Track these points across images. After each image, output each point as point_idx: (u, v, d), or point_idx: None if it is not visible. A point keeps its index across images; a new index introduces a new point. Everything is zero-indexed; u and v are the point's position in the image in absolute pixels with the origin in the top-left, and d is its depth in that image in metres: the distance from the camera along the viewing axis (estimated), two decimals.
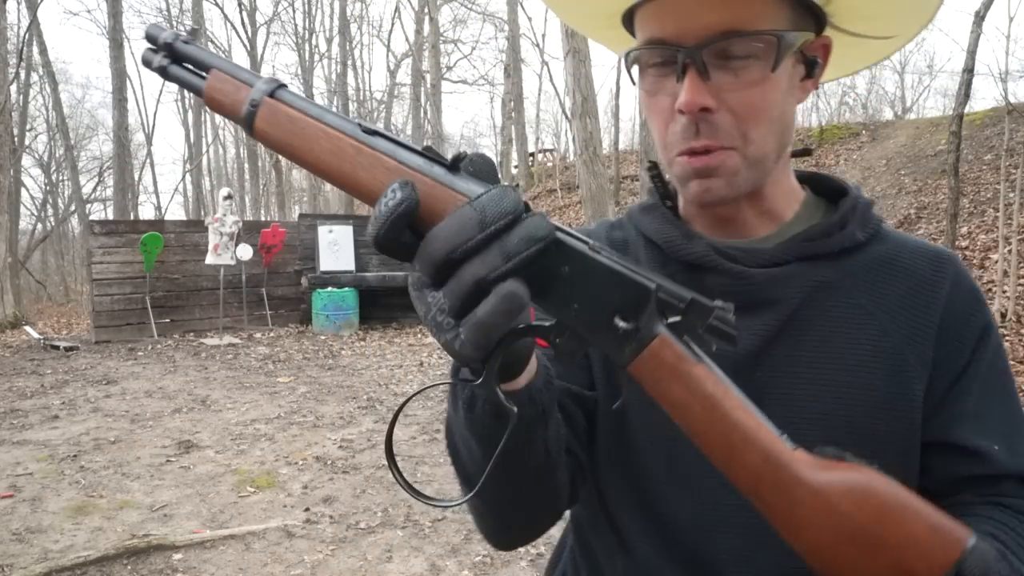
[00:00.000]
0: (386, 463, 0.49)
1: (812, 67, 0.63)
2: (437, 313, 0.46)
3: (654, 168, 0.73)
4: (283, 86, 0.53)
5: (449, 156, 0.48)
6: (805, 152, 0.76)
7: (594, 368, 0.71)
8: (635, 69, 0.64)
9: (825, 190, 0.74)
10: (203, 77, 0.55)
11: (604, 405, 0.70)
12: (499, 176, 0.47)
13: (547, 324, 0.48)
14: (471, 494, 0.59)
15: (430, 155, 0.49)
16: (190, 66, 0.56)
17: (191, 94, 0.54)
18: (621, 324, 0.46)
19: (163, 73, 0.56)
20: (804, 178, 0.74)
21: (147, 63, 0.57)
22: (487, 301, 0.43)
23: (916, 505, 0.45)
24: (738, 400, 0.46)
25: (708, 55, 0.58)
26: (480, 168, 0.48)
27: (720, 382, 0.47)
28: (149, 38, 0.58)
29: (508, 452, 0.51)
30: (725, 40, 0.57)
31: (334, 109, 0.54)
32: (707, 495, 0.65)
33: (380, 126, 0.52)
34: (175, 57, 0.56)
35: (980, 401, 0.64)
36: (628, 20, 0.65)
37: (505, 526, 0.68)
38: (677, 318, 0.46)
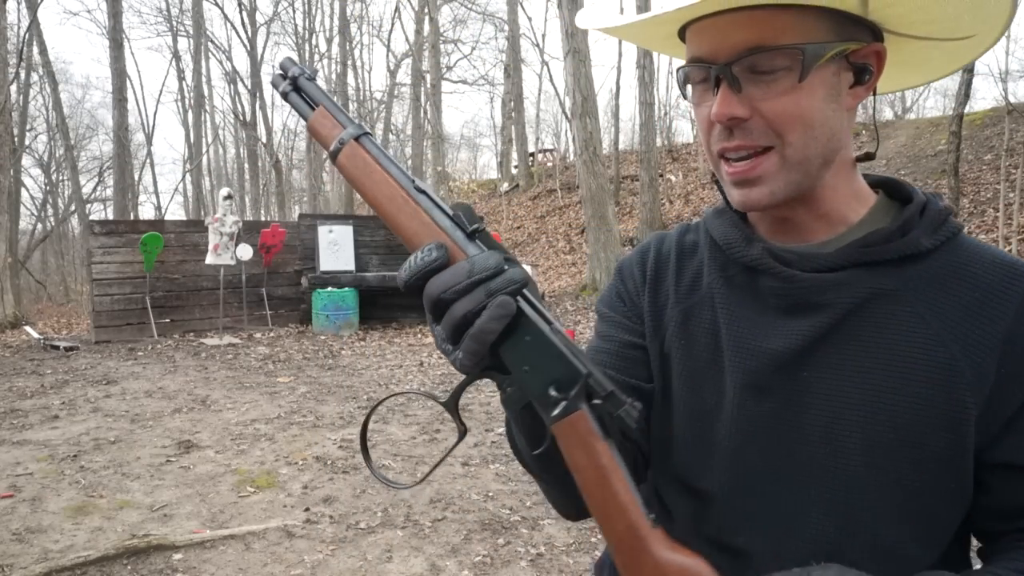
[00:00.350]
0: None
1: (862, 74, 0.66)
2: (441, 341, 0.60)
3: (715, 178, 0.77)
4: (368, 134, 0.67)
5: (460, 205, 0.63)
6: (867, 157, 0.74)
7: (652, 363, 0.79)
8: (686, 84, 0.71)
9: (901, 196, 0.74)
10: (312, 108, 0.70)
11: (656, 393, 0.79)
12: (504, 248, 0.60)
13: (505, 375, 0.60)
14: (422, 479, 0.75)
15: (457, 220, 0.62)
16: (306, 97, 0.71)
17: (298, 116, 0.70)
18: (553, 393, 0.58)
19: (284, 96, 0.71)
20: (878, 183, 0.75)
21: (274, 85, 0.73)
22: (482, 315, 0.56)
23: None
24: (622, 477, 0.58)
25: (738, 69, 0.63)
26: (489, 242, 0.61)
27: (613, 459, 0.58)
28: (282, 67, 0.73)
29: (541, 441, 0.63)
30: (751, 56, 0.62)
31: (401, 165, 0.66)
32: (740, 478, 0.71)
33: (428, 185, 0.65)
34: (296, 87, 0.71)
35: None
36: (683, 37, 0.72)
37: (564, 503, 0.76)
38: (599, 401, 0.58)
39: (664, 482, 0.77)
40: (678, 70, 0.70)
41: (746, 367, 0.70)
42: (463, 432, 0.64)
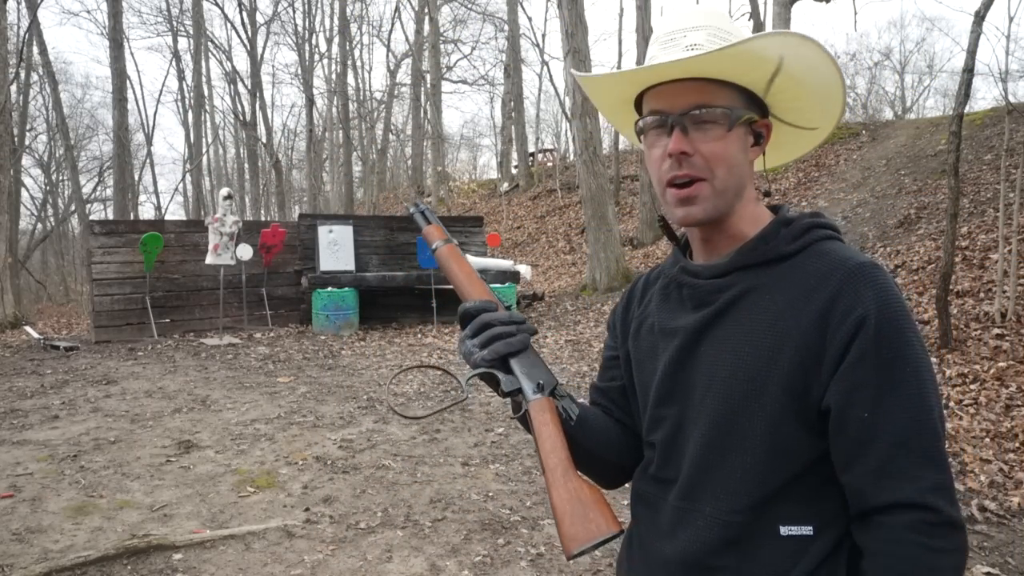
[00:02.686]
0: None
1: (758, 138, 0.95)
2: (469, 346, 1.00)
3: (662, 220, 1.09)
4: (455, 243, 1.10)
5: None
6: (766, 195, 1.02)
7: (622, 364, 1.12)
8: (642, 133, 0.98)
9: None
10: (428, 223, 1.12)
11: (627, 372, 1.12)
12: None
13: (511, 388, 0.97)
14: (431, 413, 1.10)
15: (497, 298, 1.04)
16: (426, 216, 1.13)
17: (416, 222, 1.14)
18: (536, 388, 0.97)
19: (413, 215, 1.15)
20: (773, 209, 1.01)
21: (409, 210, 1.17)
22: (513, 338, 0.98)
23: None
24: (557, 434, 0.93)
25: (687, 120, 0.91)
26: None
27: (556, 423, 0.95)
28: (415, 205, 1.16)
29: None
30: (697, 110, 0.90)
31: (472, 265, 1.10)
32: (663, 429, 0.99)
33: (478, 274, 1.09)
34: (421, 212, 1.14)
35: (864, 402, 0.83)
36: (638, 104, 0.99)
37: (593, 476, 1.08)
38: (556, 396, 0.98)
39: (644, 445, 1.07)
40: (637, 123, 0.97)
41: (668, 345, 0.98)
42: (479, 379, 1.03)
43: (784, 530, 0.87)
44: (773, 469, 0.87)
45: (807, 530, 0.87)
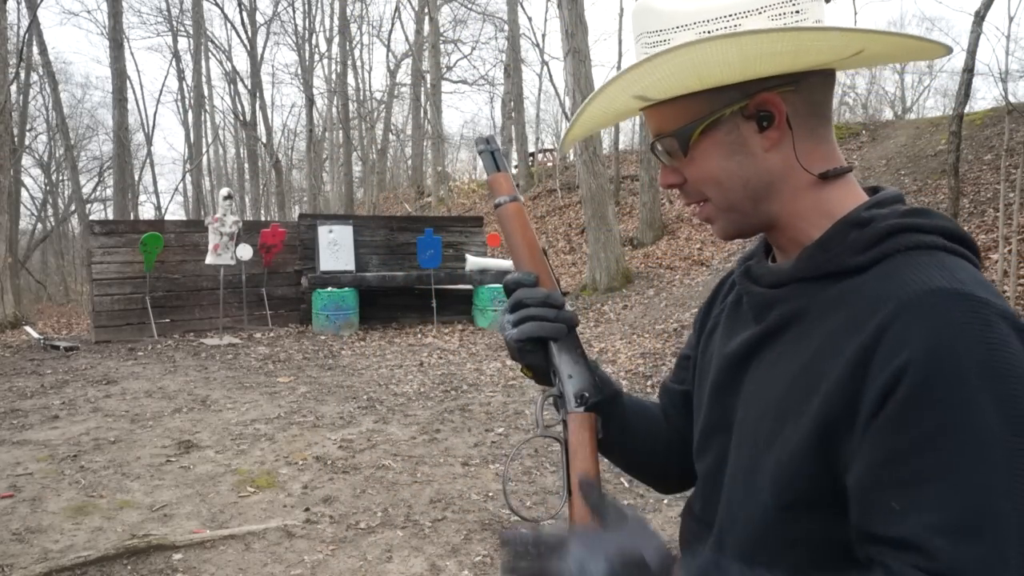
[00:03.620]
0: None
1: (763, 120, 0.73)
2: (505, 322, 0.87)
3: None
4: (519, 199, 0.93)
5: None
6: (830, 175, 0.77)
7: (691, 368, 0.98)
8: None
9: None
10: (498, 170, 0.93)
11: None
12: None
13: (552, 391, 0.87)
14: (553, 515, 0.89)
15: (555, 276, 0.92)
16: (496, 160, 0.93)
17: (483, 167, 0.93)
18: (579, 397, 0.84)
19: (480, 153, 0.95)
20: (871, 192, 0.80)
21: (477, 144, 0.95)
22: (541, 323, 0.85)
23: None
24: (591, 444, 0.82)
25: (659, 149, 0.81)
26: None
27: (591, 437, 0.83)
28: (487, 139, 0.94)
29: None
30: (654, 143, 0.81)
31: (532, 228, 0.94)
32: (704, 461, 0.86)
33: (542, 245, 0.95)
34: (491, 152, 0.94)
35: (883, 470, 0.61)
36: None
37: (644, 480, 1.04)
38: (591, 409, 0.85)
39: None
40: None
41: (721, 363, 0.84)
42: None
43: None
44: (780, 542, 0.70)
45: None
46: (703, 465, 0.86)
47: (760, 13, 0.70)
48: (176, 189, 30.89)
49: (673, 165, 0.80)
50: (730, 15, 0.70)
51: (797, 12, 0.70)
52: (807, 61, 0.71)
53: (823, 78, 0.75)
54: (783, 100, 0.73)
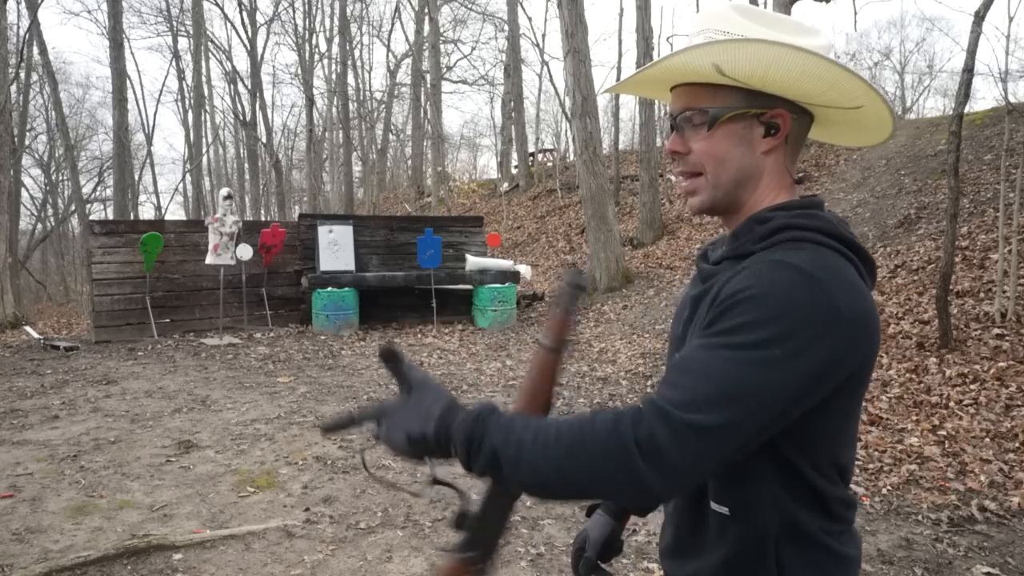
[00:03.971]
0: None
1: (770, 129, 0.94)
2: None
3: None
4: (560, 352, 0.99)
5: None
6: (798, 182, 1.01)
7: None
8: None
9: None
10: (567, 313, 1.02)
11: None
12: None
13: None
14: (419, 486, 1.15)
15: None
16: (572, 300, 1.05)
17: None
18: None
19: (570, 292, 1.01)
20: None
21: (570, 281, 1.03)
22: None
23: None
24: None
25: (681, 120, 0.97)
26: None
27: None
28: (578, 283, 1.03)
29: None
30: (683, 113, 0.97)
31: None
32: None
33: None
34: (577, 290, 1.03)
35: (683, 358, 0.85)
36: None
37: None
38: None
39: None
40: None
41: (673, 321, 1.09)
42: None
43: (712, 505, 0.93)
44: None
45: (723, 510, 0.91)
46: None
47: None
48: (176, 189, 30.88)
49: (685, 136, 0.97)
50: (792, 45, 0.88)
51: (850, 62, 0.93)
52: (828, 96, 0.92)
53: (809, 122, 0.99)
54: (790, 120, 0.95)
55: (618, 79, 20.46)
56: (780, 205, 0.95)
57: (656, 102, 15.56)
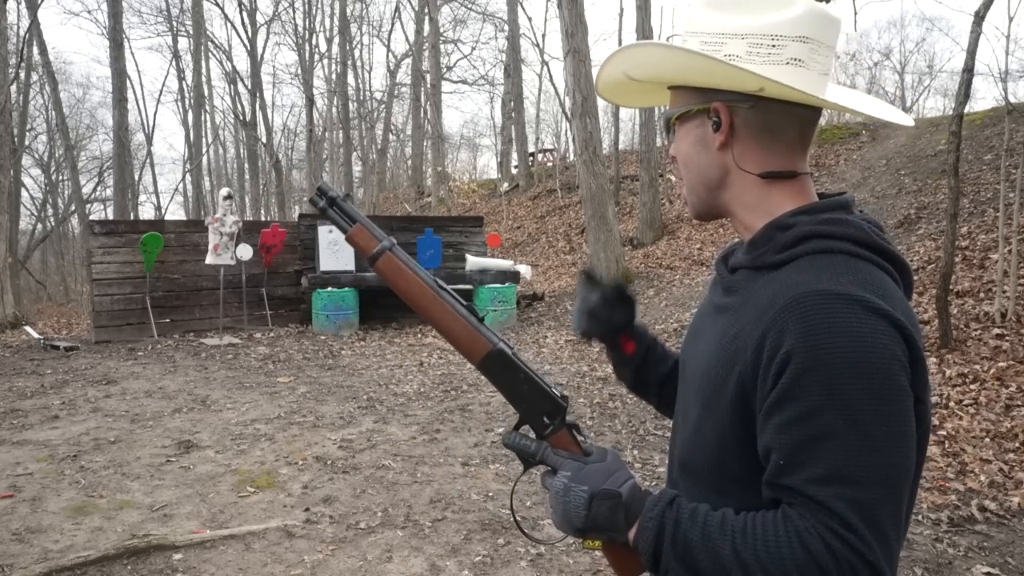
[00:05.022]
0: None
1: (715, 123, 0.89)
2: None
3: None
4: (395, 245, 0.98)
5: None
6: (786, 175, 0.91)
7: None
8: None
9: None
10: (351, 224, 0.99)
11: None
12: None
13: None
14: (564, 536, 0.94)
15: (470, 310, 0.97)
16: (341, 214, 0.99)
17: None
18: (546, 420, 0.97)
19: (322, 212, 0.97)
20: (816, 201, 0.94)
21: (314, 203, 1.01)
22: None
23: None
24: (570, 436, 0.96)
25: (662, 127, 1.00)
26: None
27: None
28: (320, 189, 1.02)
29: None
30: (661, 118, 0.99)
31: (422, 270, 0.96)
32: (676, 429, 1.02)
33: (444, 283, 0.97)
34: (332, 204, 0.98)
35: (777, 430, 0.77)
36: None
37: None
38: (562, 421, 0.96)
39: None
40: None
41: (692, 328, 1.02)
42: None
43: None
44: (720, 480, 0.87)
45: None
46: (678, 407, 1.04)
47: (742, 39, 0.85)
48: (176, 189, 30.89)
49: (673, 141, 0.96)
50: (720, 33, 0.87)
51: (774, 46, 0.85)
52: (730, 84, 0.87)
53: (784, 107, 0.87)
54: (732, 112, 0.89)
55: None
56: (804, 208, 0.87)
57: None
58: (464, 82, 30.46)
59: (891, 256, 0.84)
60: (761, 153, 0.89)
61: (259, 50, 26.90)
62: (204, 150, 28.28)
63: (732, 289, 0.92)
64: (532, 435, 0.97)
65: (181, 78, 29.09)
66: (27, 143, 24.46)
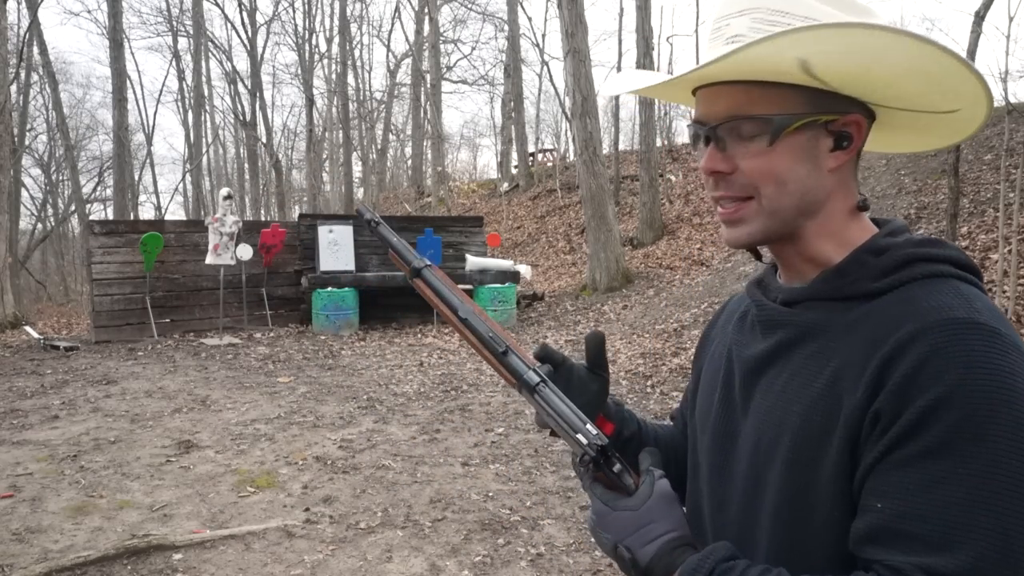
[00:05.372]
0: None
1: (841, 140, 0.75)
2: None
3: None
4: (425, 268, 0.92)
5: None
6: (860, 207, 0.80)
7: (692, 386, 1.00)
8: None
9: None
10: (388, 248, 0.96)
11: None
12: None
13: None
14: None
15: (496, 339, 0.87)
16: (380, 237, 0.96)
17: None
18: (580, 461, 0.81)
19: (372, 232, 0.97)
20: (879, 224, 0.82)
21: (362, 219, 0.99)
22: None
23: None
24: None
25: (724, 131, 0.75)
26: (520, 357, 0.87)
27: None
28: (357, 212, 1.02)
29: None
30: (729, 122, 0.74)
31: (453, 293, 0.91)
32: (707, 465, 0.87)
33: (470, 309, 0.89)
34: (369, 228, 0.97)
35: (900, 490, 0.63)
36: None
37: None
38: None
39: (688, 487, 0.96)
40: (688, 126, 0.82)
41: (729, 380, 0.85)
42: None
43: None
44: (792, 559, 0.72)
45: None
46: (704, 466, 0.87)
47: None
48: (176, 189, 30.90)
49: (728, 151, 0.76)
50: (905, 31, 0.67)
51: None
52: (928, 99, 0.73)
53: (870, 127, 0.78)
54: (866, 128, 0.76)
55: (615, 77, 20.46)
56: (890, 231, 0.78)
57: (656, 101, 15.59)
58: (464, 82, 30.47)
59: (980, 276, 0.75)
60: (854, 180, 0.79)
61: (259, 50, 26.90)
62: (204, 150, 28.30)
63: (783, 323, 0.79)
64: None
65: (181, 78, 29.10)
66: (27, 143, 24.46)
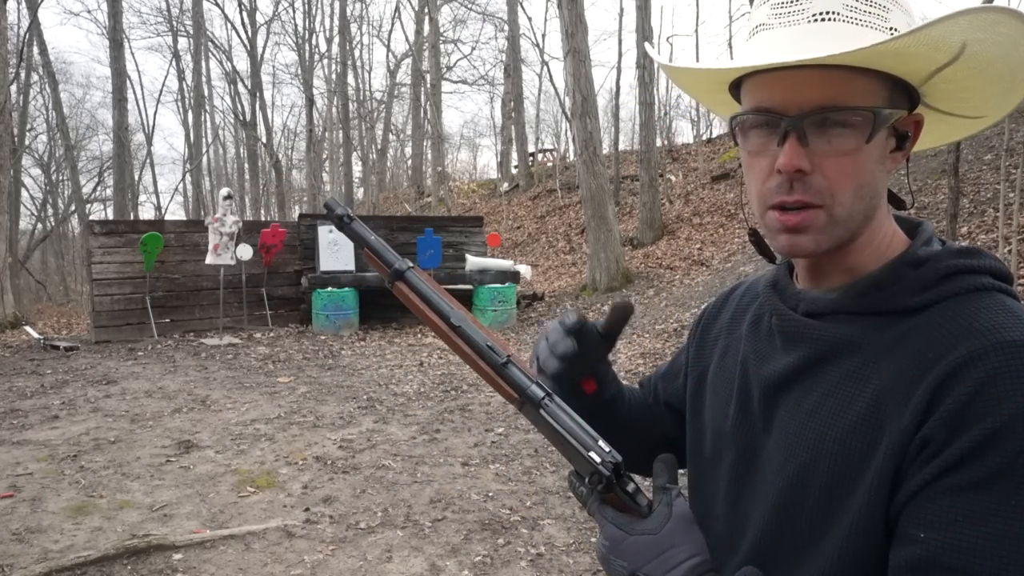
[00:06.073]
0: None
1: (903, 140, 0.70)
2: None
3: (755, 234, 0.83)
4: (407, 271, 0.84)
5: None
6: (896, 203, 0.79)
7: (684, 382, 0.96)
8: (738, 130, 0.73)
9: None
10: (361, 246, 0.87)
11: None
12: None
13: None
14: None
15: (492, 349, 0.81)
16: (354, 235, 0.86)
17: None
18: (587, 483, 0.73)
19: (341, 229, 0.87)
20: (910, 231, 0.76)
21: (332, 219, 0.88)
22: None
23: None
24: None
25: (808, 124, 0.66)
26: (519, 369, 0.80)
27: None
28: (326, 206, 0.88)
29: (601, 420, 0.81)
30: (824, 113, 0.65)
31: (440, 299, 0.83)
32: (721, 481, 0.81)
33: (463, 317, 0.82)
34: (340, 225, 0.86)
35: (945, 520, 0.58)
36: (735, 86, 0.74)
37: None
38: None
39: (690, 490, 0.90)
40: (734, 117, 0.72)
41: (746, 392, 0.78)
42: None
43: None
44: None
45: None
46: (714, 482, 0.81)
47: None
48: (176, 189, 30.89)
49: (811, 147, 0.67)
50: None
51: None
52: (1009, 99, 0.71)
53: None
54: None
55: (618, 80, 20.48)
56: (926, 240, 0.72)
57: (656, 101, 15.60)
58: (464, 82, 30.49)
59: (1014, 283, 0.70)
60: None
61: (259, 50, 26.91)
62: (204, 150, 28.30)
63: (807, 335, 0.72)
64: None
65: (181, 78, 29.10)
66: (27, 143, 24.46)
